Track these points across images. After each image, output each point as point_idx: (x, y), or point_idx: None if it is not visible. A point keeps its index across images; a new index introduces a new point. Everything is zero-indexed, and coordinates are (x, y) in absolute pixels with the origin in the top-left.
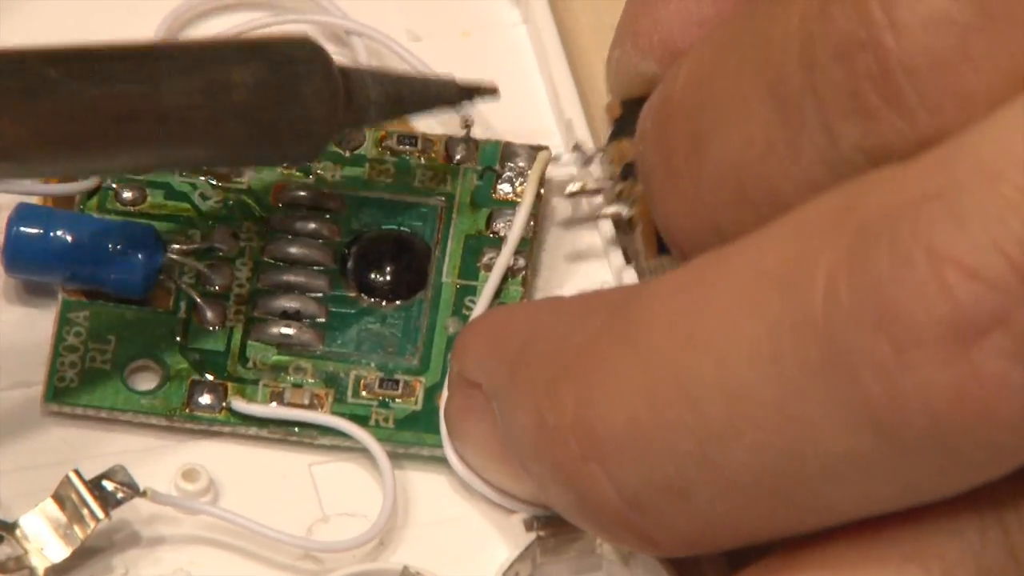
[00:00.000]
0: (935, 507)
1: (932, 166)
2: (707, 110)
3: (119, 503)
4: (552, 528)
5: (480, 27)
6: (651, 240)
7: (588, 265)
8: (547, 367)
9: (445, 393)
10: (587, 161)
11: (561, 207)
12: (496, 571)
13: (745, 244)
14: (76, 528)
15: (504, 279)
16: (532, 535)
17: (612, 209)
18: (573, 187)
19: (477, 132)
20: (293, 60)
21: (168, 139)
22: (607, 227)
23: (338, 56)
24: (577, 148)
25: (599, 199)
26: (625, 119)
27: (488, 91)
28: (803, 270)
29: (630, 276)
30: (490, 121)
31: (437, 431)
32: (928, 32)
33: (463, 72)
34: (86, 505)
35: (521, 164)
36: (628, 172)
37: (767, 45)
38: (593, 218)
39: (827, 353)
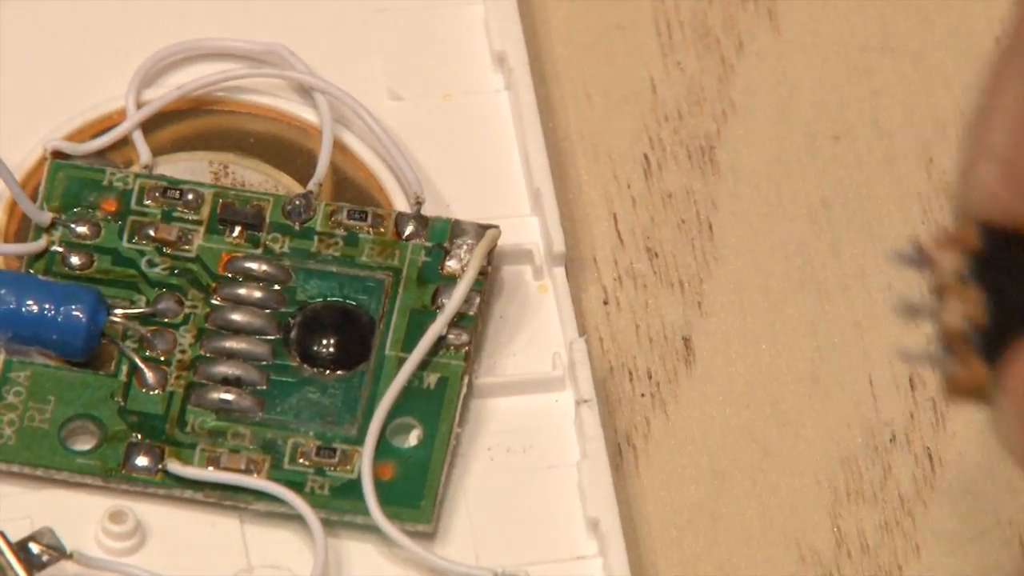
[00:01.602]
0: None
1: None
2: None
3: (44, 566)
4: None
5: (462, 90)
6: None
7: (539, 338)
8: None
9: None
10: (920, 265)
11: (511, 281)
12: None
13: None
14: None
15: (441, 352)
16: None
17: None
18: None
19: (446, 195)
20: None
21: None
22: (563, 294)
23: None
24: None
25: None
26: (987, 259)
27: None
28: None
29: (581, 348)
30: (460, 184)
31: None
32: None
33: (436, 135)
34: (11, 568)
35: (470, 241)
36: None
37: None
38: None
39: None
